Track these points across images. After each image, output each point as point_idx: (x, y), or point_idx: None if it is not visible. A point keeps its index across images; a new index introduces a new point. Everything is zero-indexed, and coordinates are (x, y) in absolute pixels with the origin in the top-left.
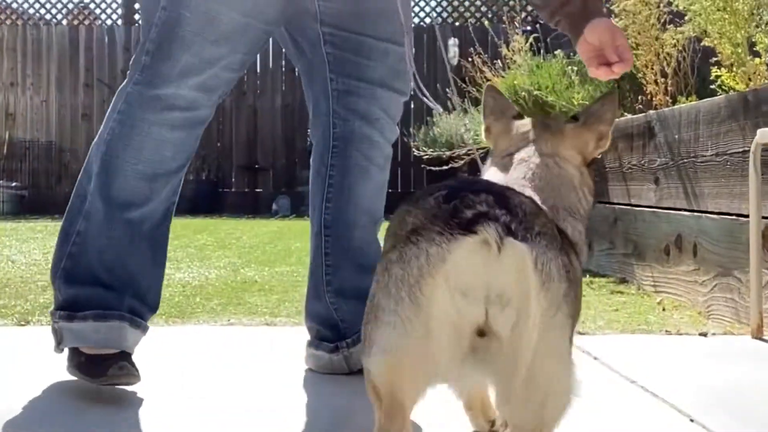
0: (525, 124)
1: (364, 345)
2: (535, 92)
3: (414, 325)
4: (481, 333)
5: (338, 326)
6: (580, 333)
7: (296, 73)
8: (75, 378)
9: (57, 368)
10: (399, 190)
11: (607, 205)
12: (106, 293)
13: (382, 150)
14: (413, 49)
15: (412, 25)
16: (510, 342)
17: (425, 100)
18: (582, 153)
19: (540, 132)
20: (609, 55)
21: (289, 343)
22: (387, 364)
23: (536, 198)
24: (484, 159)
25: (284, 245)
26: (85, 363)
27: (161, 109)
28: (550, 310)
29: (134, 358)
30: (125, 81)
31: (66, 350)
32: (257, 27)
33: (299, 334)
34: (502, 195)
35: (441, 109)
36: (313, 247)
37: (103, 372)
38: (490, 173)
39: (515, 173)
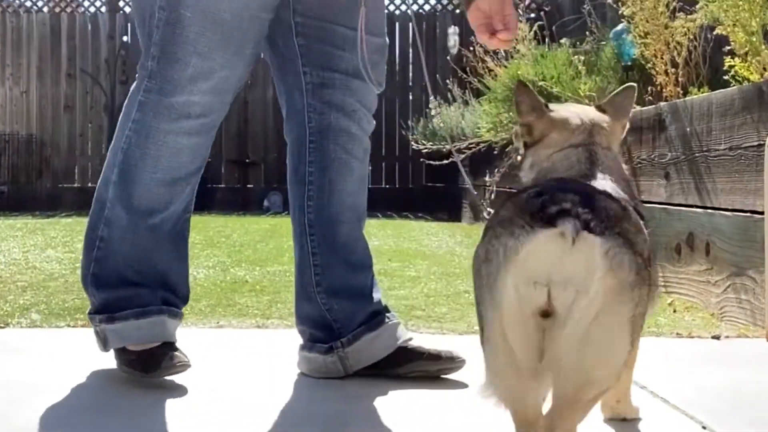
0: (566, 114)
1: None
2: (540, 83)
3: (496, 314)
4: (546, 314)
5: (332, 326)
6: None
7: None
8: (62, 390)
9: (34, 373)
10: (397, 185)
11: None
12: (139, 291)
13: (361, 142)
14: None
15: (409, 12)
16: (567, 319)
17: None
18: (617, 146)
19: (594, 125)
20: (495, 23)
21: (282, 347)
22: (497, 390)
23: (625, 198)
24: (483, 154)
25: (276, 243)
26: (136, 360)
27: (176, 119)
28: (612, 294)
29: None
30: (135, 85)
31: (112, 350)
32: (259, 17)
33: (292, 337)
34: (590, 196)
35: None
36: (298, 247)
37: (156, 366)
38: (557, 165)
39: (592, 167)
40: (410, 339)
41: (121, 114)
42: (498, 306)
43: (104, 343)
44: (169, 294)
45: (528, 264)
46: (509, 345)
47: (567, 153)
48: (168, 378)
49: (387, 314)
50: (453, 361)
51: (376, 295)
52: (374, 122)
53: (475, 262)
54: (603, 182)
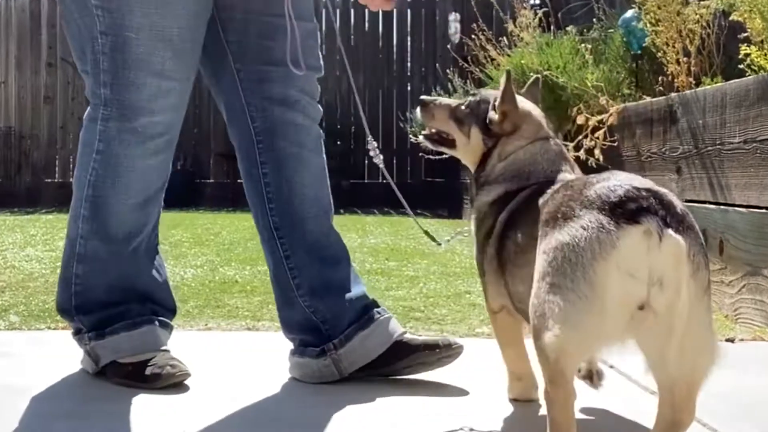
0: (528, 106)
1: (538, 320)
2: (545, 72)
3: (589, 302)
4: (640, 307)
5: (320, 328)
6: None
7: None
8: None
9: (15, 376)
10: (394, 181)
11: None
12: (127, 306)
13: (310, 131)
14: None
15: None
16: (666, 317)
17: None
18: None
19: (544, 118)
20: None
21: (273, 350)
22: (561, 338)
23: None
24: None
25: None
26: (133, 372)
27: (143, 142)
28: (699, 292)
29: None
30: (89, 113)
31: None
32: (204, 24)
33: (283, 340)
34: (657, 191)
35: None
36: (269, 253)
37: (156, 376)
38: (538, 158)
39: (566, 161)
40: (404, 332)
41: (80, 144)
42: (597, 295)
43: (96, 361)
44: (157, 307)
45: (627, 258)
46: (604, 329)
47: (541, 146)
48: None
49: (377, 309)
50: (450, 348)
51: (360, 288)
52: (321, 109)
53: (553, 246)
54: (617, 174)
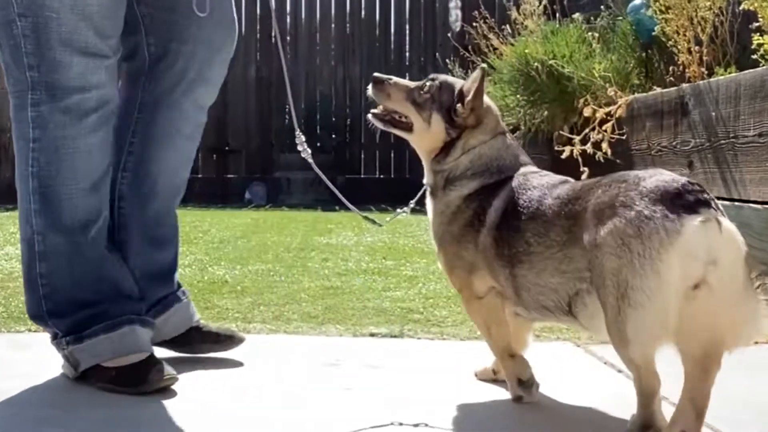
0: (487, 100)
1: (616, 310)
2: (550, 62)
3: (658, 297)
4: (696, 286)
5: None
6: (602, 342)
7: (273, 40)
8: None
9: None
10: (392, 176)
11: None
12: (102, 306)
13: (189, 119)
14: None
15: None
16: (727, 296)
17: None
18: None
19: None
20: None
21: (265, 353)
22: (643, 326)
23: None
24: None
25: (259, 239)
26: (118, 376)
27: (78, 119)
28: (748, 275)
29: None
30: (16, 102)
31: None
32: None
33: (276, 342)
34: (696, 183)
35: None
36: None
37: (143, 379)
38: (503, 153)
39: (525, 155)
40: (199, 319)
41: (15, 139)
42: (662, 277)
43: (75, 366)
44: (130, 302)
45: (690, 244)
46: (663, 311)
47: (502, 141)
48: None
49: (179, 292)
50: (233, 340)
51: (174, 276)
52: (215, 95)
53: (617, 240)
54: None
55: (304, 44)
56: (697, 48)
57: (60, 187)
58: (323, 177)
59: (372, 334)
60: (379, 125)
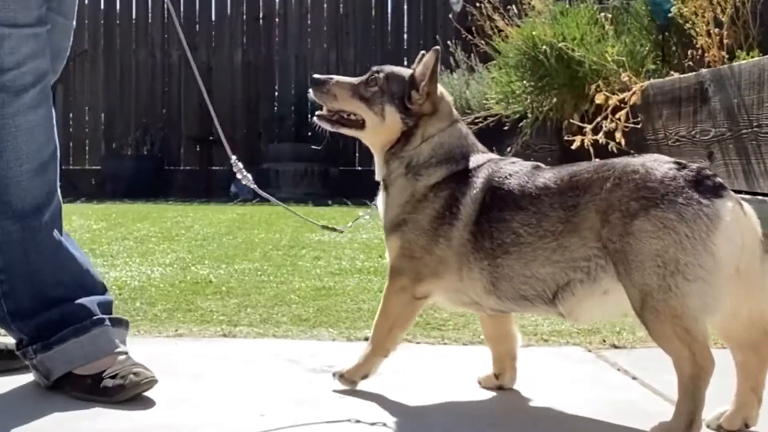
0: (440, 86)
1: (668, 296)
2: (560, 45)
3: (715, 273)
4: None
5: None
6: (614, 346)
7: (260, 22)
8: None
9: None
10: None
11: None
12: (67, 307)
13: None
14: None
15: None
16: (748, 276)
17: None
18: None
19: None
20: None
21: (252, 358)
22: (708, 315)
23: None
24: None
25: (245, 236)
26: (93, 385)
27: (15, 96)
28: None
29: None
30: None
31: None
32: None
33: (264, 347)
34: (702, 166)
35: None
36: None
37: (119, 388)
38: (462, 141)
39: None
40: None
41: None
42: (716, 257)
43: (47, 375)
44: (97, 299)
45: (731, 229)
46: (720, 287)
47: (459, 129)
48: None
49: None
50: (14, 359)
51: None
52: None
53: (659, 221)
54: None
55: (294, 25)
56: (717, 30)
57: (5, 171)
58: (267, 196)
59: (367, 338)
60: (327, 126)
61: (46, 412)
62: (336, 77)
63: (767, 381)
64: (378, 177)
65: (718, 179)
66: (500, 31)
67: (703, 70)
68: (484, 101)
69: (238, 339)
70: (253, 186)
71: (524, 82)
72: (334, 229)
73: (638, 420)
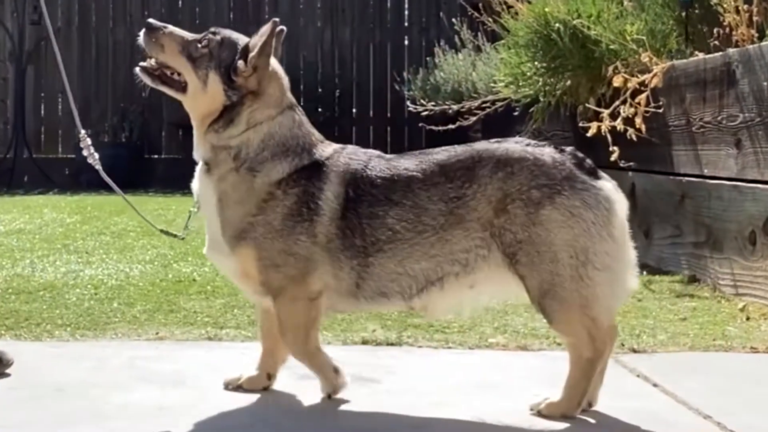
0: (274, 62)
1: (580, 283)
2: (574, 22)
3: (617, 259)
4: None
5: None
6: (634, 351)
7: None
8: None
9: None
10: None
11: (671, 177)
12: None
13: None
14: None
15: None
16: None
17: None
18: None
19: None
20: None
21: (239, 363)
22: (616, 301)
23: None
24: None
25: None
26: None
27: None
28: None
29: (27, 381)
30: None
31: None
32: None
33: (251, 352)
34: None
35: None
36: None
37: None
38: (296, 132)
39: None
40: None
41: None
42: (616, 239)
43: None
44: None
45: (622, 208)
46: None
47: (292, 117)
48: (92, 405)
49: None
50: (1, 364)
51: None
52: None
53: (566, 210)
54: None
55: (286, 2)
56: (746, 6)
57: None
58: (112, 184)
59: (365, 342)
60: (148, 81)
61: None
62: (171, 27)
63: None
64: (197, 156)
65: (588, 159)
66: (510, 7)
67: (731, 50)
68: (492, 84)
69: (225, 342)
70: (99, 168)
71: (536, 63)
72: (174, 235)
73: (659, 430)
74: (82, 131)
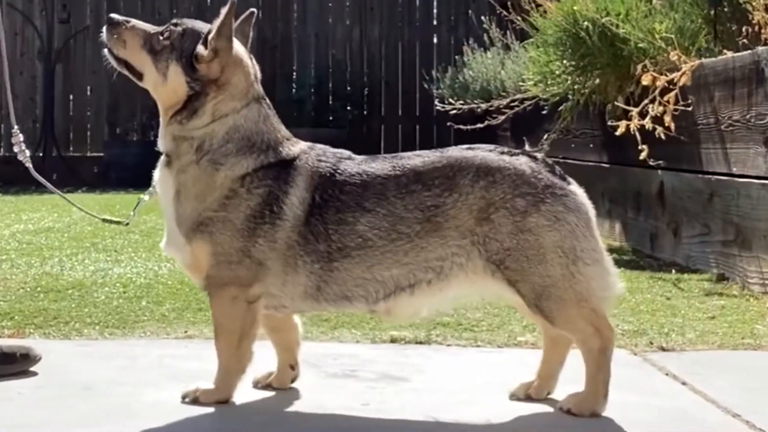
0: (239, 49)
1: (570, 282)
2: (603, 21)
3: (603, 252)
4: None
5: None
6: (662, 349)
7: None
8: None
9: None
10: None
11: (699, 176)
12: None
13: None
14: None
15: None
16: None
17: None
18: None
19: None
20: None
21: (267, 362)
22: (609, 291)
23: None
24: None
25: None
26: None
27: None
28: None
29: (55, 380)
30: None
31: None
32: None
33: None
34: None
35: None
36: None
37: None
38: (261, 127)
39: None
40: None
41: None
42: (598, 238)
43: None
44: None
45: (592, 208)
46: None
47: (258, 111)
48: (124, 404)
49: None
50: (28, 360)
51: None
52: None
53: (552, 215)
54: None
55: (314, 1)
56: None
57: None
58: (42, 180)
59: (393, 340)
60: (114, 64)
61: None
62: (134, 21)
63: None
64: (161, 147)
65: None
66: (538, 5)
67: (760, 48)
68: (521, 83)
69: (256, 341)
70: (29, 165)
71: (564, 61)
72: (117, 222)
73: (687, 429)
74: (15, 126)
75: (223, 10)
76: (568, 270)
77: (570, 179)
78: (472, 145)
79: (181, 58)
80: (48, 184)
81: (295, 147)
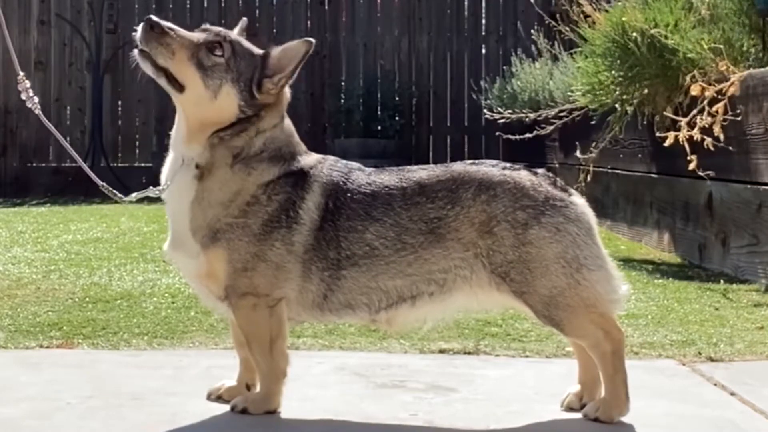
0: None
1: (580, 289)
2: (652, 32)
3: (606, 258)
4: None
5: None
6: (711, 359)
7: (326, 6)
8: None
9: None
10: None
11: (749, 186)
12: None
13: None
14: None
15: None
16: None
17: None
18: None
19: None
20: None
21: (315, 372)
22: (615, 295)
23: None
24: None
25: None
26: None
27: None
28: None
29: (104, 390)
30: None
31: None
32: None
33: (328, 360)
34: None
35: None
36: None
37: None
38: (291, 140)
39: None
40: None
41: None
42: (601, 246)
43: None
44: None
45: (594, 217)
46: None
47: (289, 125)
48: (170, 414)
49: None
50: None
51: None
52: None
53: (553, 227)
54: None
55: (363, 11)
56: None
57: None
58: (53, 129)
59: (442, 351)
60: (150, 71)
61: None
62: (177, 28)
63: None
64: (179, 152)
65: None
66: (587, 16)
67: None
68: (569, 93)
69: (302, 351)
70: (38, 112)
71: (613, 72)
72: (114, 194)
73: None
74: (21, 73)
75: (298, 47)
76: (573, 278)
77: (571, 190)
78: (476, 160)
79: (238, 82)
80: (58, 135)
81: (311, 157)
